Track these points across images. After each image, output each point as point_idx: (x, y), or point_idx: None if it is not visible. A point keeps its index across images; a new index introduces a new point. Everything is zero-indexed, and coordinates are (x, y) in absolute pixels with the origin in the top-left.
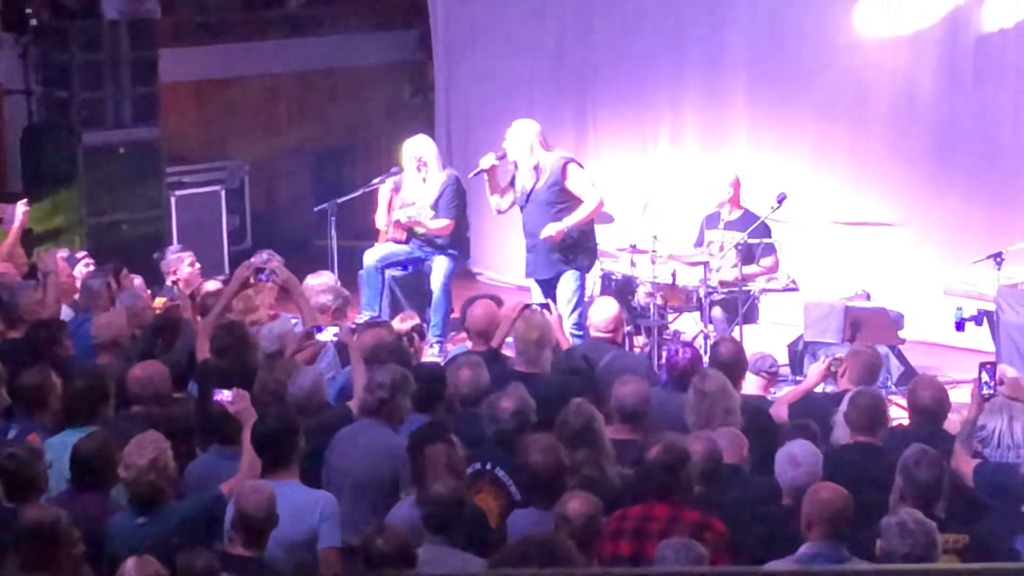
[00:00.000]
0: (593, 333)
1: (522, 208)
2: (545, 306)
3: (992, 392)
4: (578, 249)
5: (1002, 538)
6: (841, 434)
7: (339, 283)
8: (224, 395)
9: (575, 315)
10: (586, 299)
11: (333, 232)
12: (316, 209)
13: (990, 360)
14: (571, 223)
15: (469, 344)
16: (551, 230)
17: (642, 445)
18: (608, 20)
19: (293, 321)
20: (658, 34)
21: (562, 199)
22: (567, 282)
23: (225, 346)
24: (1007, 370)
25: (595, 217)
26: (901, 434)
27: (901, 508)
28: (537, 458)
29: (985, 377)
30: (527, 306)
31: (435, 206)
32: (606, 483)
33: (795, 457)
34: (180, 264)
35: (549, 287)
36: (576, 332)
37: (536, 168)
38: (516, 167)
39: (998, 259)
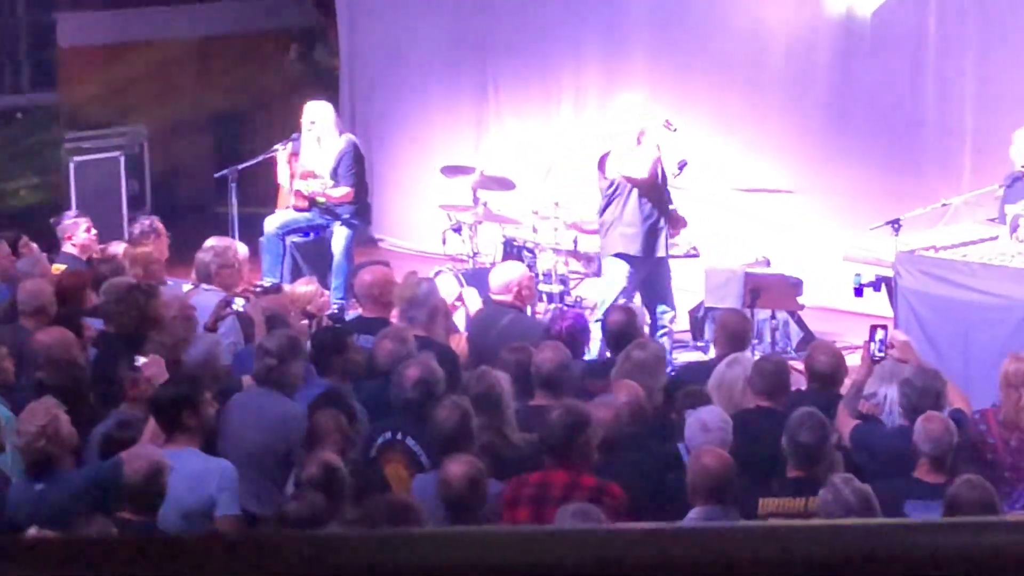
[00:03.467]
0: (493, 297)
1: (662, 184)
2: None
3: (883, 355)
4: None
5: (893, 503)
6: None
7: (233, 248)
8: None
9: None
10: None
11: (233, 199)
12: (216, 175)
13: (882, 323)
14: None
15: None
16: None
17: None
18: None
19: (187, 287)
20: (558, 1)
21: None
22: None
23: (123, 311)
24: (897, 334)
25: None
26: (798, 399)
27: (836, 476)
28: (441, 414)
29: (880, 335)
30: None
31: (334, 173)
32: (508, 449)
33: (705, 423)
34: (76, 229)
35: (660, 265)
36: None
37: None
38: (667, 123)
39: (896, 225)
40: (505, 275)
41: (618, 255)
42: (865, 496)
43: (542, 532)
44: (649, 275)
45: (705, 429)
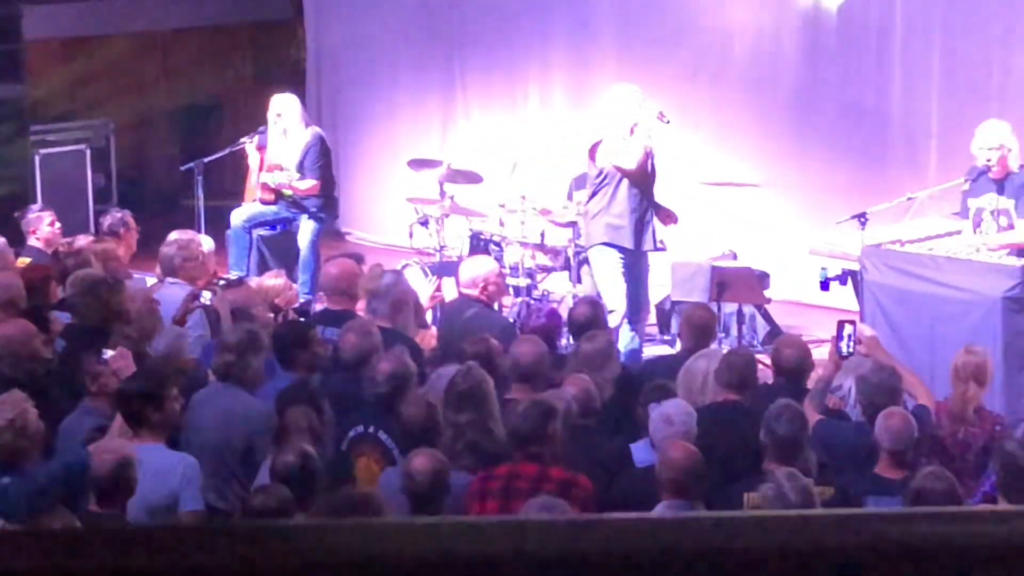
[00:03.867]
0: (461, 290)
1: (652, 177)
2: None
3: (851, 351)
4: None
5: (855, 498)
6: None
7: (197, 242)
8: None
9: None
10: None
11: (200, 192)
12: (183, 168)
13: (849, 319)
14: None
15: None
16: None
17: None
18: None
19: (152, 281)
20: None
21: None
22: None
23: (90, 304)
24: (865, 329)
25: None
26: (765, 392)
27: (776, 470)
28: (408, 410)
29: (848, 331)
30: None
31: (300, 167)
32: (492, 445)
33: (669, 416)
34: (40, 223)
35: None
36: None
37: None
38: (660, 116)
39: (862, 219)
40: (473, 269)
41: (605, 244)
42: (807, 491)
43: (505, 522)
44: (631, 267)
45: (669, 422)
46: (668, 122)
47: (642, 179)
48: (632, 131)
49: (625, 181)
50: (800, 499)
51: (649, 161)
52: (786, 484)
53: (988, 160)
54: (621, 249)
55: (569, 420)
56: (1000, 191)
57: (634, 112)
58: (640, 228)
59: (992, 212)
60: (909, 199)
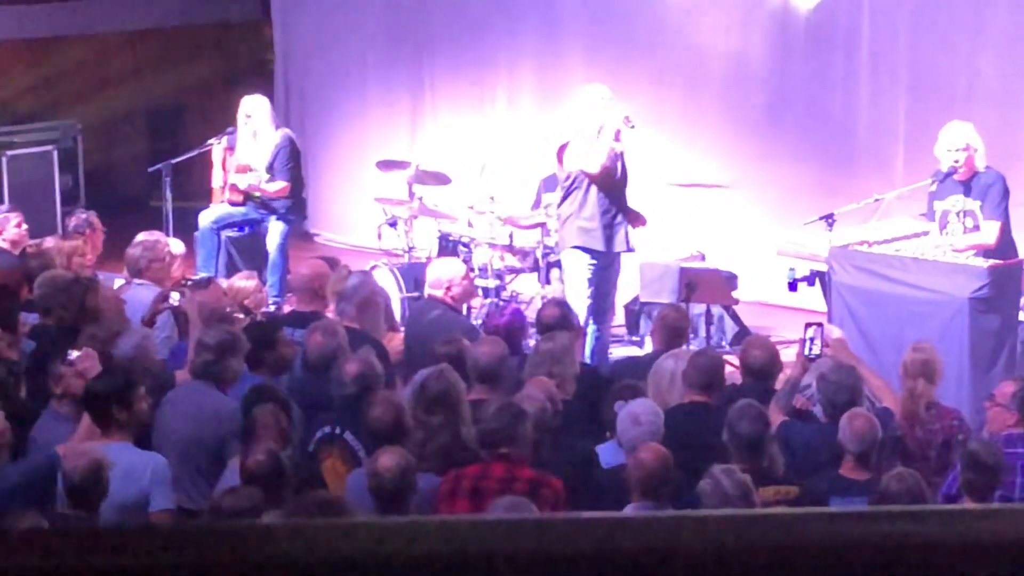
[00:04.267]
0: (427, 291)
1: (620, 180)
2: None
3: (817, 353)
4: None
5: (820, 499)
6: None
7: (163, 243)
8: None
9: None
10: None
11: (168, 193)
12: (151, 170)
13: (816, 320)
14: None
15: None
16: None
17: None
18: None
19: (119, 283)
20: None
21: None
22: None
23: (64, 303)
24: (833, 330)
25: None
26: (733, 393)
27: (716, 466)
28: (375, 412)
29: (811, 333)
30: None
31: (269, 168)
32: (460, 447)
33: (636, 416)
34: (7, 224)
35: (613, 261)
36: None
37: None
38: (617, 137)
39: (829, 220)
40: (439, 271)
41: (577, 247)
42: (745, 487)
43: (473, 521)
44: (602, 270)
45: (636, 422)
46: (633, 127)
47: (609, 182)
48: (598, 134)
49: (593, 185)
50: (738, 492)
51: (618, 164)
52: (724, 479)
53: (956, 162)
54: (593, 253)
55: (544, 421)
56: (967, 192)
57: (600, 114)
58: (611, 230)
59: (958, 213)
60: (876, 200)
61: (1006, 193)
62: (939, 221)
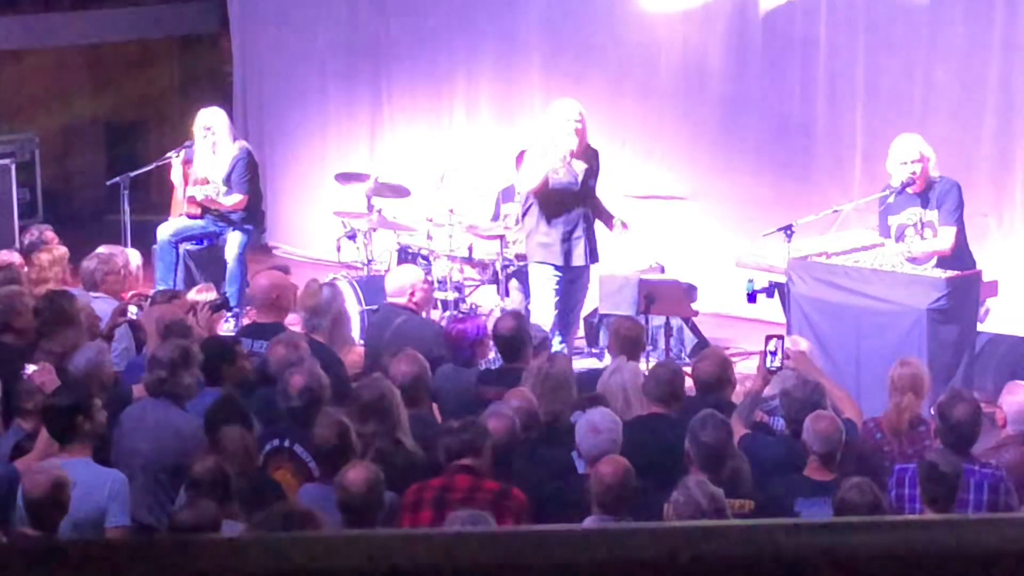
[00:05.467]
0: (388, 299)
1: (570, 195)
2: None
3: (778, 366)
4: None
5: (785, 501)
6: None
7: (120, 256)
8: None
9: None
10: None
11: (126, 206)
12: (109, 183)
13: (777, 333)
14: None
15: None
16: (619, 224)
17: (429, 420)
18: None
19: (94, 296)
20: (452, 7)
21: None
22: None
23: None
24: (800, 341)
25: None
26: (688, 405)
27: (688, 478)
28: (320, 431)
29: (772, 346)
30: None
31: (227, 180)
32: (401, 455)
33: (595, 425)
34: None
35: (576, 274)
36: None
37: (585, 154)
38: (571, 154)
39: (788, 232)
40: (400, 278)
41: (539, 262)
42: (717, 499)
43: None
44: (567, 283)
45: (595, 431)
46: (569, 162)
47: (557, 198)
48: (546, 153)
49: (550, 198)
50: (710, 505)
51: (573, 178)
52: (696, 491)
53: (913, 173)
54: (555, 267)
55: (514, 433)
56: (924, 204)
57: (555, 134)
58: (568, 244)
59: (915, 225)
60: (835, 211)
61: (961, 201)
62: (895, 235)
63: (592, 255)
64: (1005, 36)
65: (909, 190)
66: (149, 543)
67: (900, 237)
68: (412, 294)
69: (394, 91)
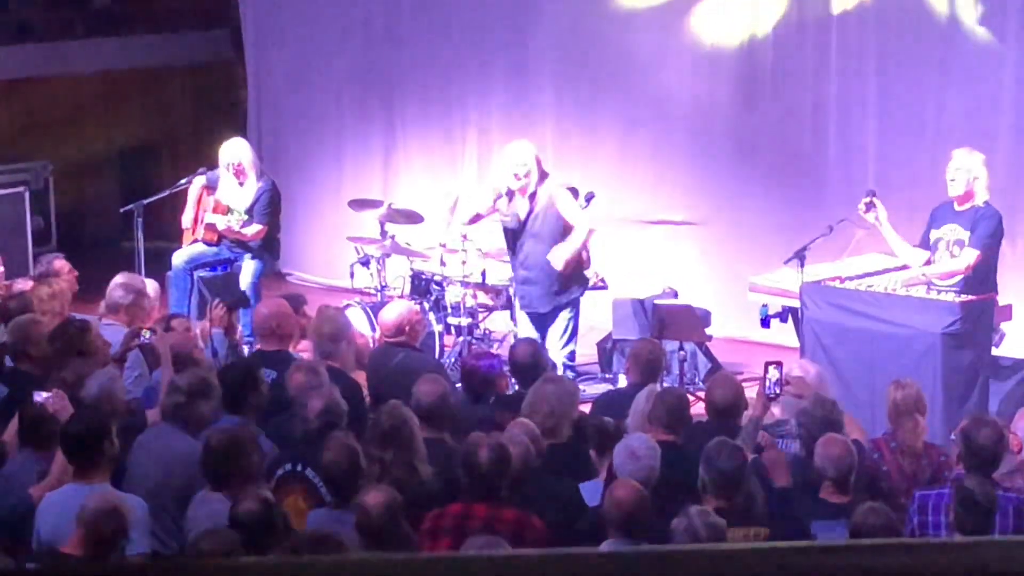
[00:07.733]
0: (385, 339)
1: (516, 237)
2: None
3: (778, 392)
4: (573, 280)
5: (800, 525)
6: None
7: (142, 282)
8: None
9: (568, 347)
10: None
11: (140, 233)
12: (122, 210)
13: (775, 360)
14: (572, 251)
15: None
16: (559, 262)
17: (449, 446)
18: (415, 22)
19: (105, 323)
20: (464, 37)
21: (559, 228)
22: (564, 316)
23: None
24: (808, 366)
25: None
26: (699, 431)
27: (691, 507)
28: (329, 456)
29: (773, 373)
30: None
31: (249, 211)
32: (416, 482)
33: (634, 451)
34: None
35: (543, 320)
36: (568, 363)
37: (533, 196)
38: (510, 194)
39: (801, 257)
40: (392, 318)
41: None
42: (717, 529)
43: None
44: (535, 321)
45: (635, 457)
46: (507, 200)
47: (507, 236)
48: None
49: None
50: (709, 535)
51: (516, 224)
52: (696, 520)
53: (952, 180)
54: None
55: (528, 462)
56: (964, 223)
57: (499, 175)
58: (526, 287)
59: (947, 242)
60: (840, 221)
61: (997, 230)
62: (931, 249)
63: (537, 303)
64: (1018, 60)
65: (956, 206)
66: (168, 567)
67: (933, 250)
68: (406, 330)
69: (408, 118)
